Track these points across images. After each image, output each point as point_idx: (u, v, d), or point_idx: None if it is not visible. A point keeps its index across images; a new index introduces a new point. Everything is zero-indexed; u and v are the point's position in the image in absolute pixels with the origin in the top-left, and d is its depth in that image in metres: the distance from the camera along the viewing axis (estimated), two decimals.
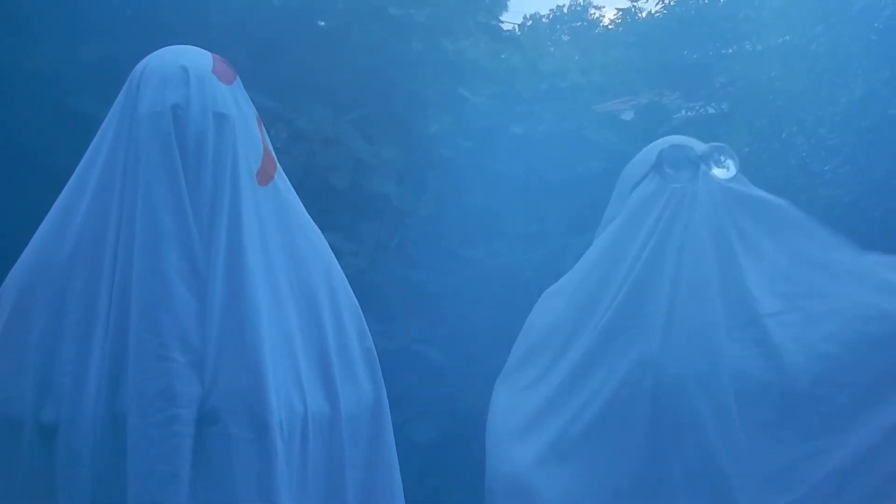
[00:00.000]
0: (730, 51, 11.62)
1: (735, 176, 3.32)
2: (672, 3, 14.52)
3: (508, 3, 7.79)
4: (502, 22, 7.43)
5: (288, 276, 2.78)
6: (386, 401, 2.99)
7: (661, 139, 3.50)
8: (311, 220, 2.94)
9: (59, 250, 2.64)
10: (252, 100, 2.88)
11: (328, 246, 2.96)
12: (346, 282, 2.97)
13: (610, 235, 3.45)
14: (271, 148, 2.88)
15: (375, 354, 2.99)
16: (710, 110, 10.08)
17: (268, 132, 2.93)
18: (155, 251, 2.57)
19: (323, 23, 5.93)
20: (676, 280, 3.18)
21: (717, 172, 3.29)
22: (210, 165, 2.67)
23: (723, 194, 3.27)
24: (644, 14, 15.01)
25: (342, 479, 2.81)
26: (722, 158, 3.31)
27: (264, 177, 2.79)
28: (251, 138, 2.79)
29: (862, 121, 7.08)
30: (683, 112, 10.68)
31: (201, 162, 2.66)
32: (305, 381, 2.74)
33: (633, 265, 3.26)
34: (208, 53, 2.82)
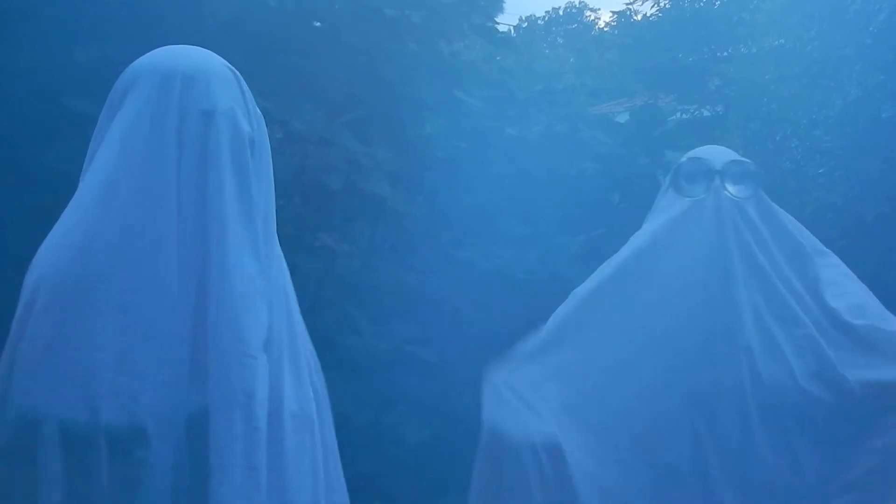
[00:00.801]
0: (724, 54, 11.63)
1: (752, 195, 3.30)
2: (667, 6, 14.53)
3: (504, 4, 7.80)
4: (498, 23, 7.42)
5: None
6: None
7: (703, 148, 3.49)
8: None
9: (102, 247, 2.56)
10: None
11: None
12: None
13: (631, 244, 3.47)
14: None
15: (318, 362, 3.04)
16: (705, 113, 10.12)
17: None
18: (236, 253, 2.59)
19: (318, 23, 5.93)
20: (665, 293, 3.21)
21: (732, 189, 3.28)
22: (261, 165, 2.73)
23: (734, 211, 3.26)
24: (639, 17, 15.02)
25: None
26: (740, 176, 3.29)
27: None
28: None
29: (856, 124, 7.10)
30: (678, 114, 10.71)
31: (261, 158, 2.73)
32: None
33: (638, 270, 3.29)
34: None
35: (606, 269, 3.44)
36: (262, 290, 2.63)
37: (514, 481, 3.15)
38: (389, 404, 5.09)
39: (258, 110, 2.80)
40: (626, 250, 3.43)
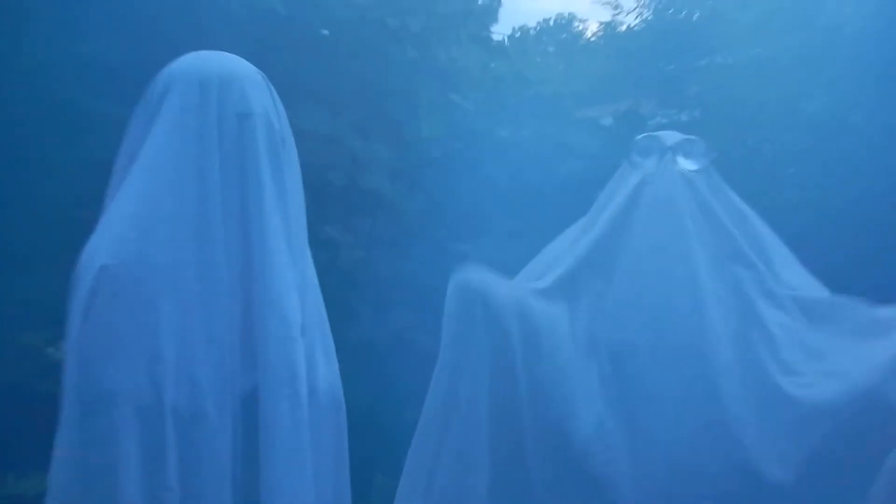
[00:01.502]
0: (702, 63, 11.58)
1: (702, 169, 3.31)
2: (650, 18, 14.51)
3: (498, 15, 7.81)
4: (492, 33, 7.45)
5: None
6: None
7: (664, 131, 3.50)
8: None
9: (157, 240, 2.57)
10: None
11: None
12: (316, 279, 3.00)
13: (589, 215, 3.48)
14: None
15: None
16: (684, 118, 10.08)
17: None
18: (269, 246, 2.61)
19: (325, 31, 5.94)
20: (628, 258, 3.21)
21: (683, 163, 3.29)
22: (291, 162, 2.74)
23: (684, 183, 3.27)
24: (624, 28, 15.01)
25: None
26: (691, 150, 3.31)
27: None
28: None
29: (825, 127, 7.11)
30: (658, 118, 10.68)
31: (291, 157, 2.75)
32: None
33: (593, 236, 3.30)
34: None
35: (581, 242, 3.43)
36: (294, 279, 2.64)
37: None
38: (388, 386, 5.09)
39: (284, 111, 2.81)
40: (589, 227, 3.43)
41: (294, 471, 2.56)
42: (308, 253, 2.79)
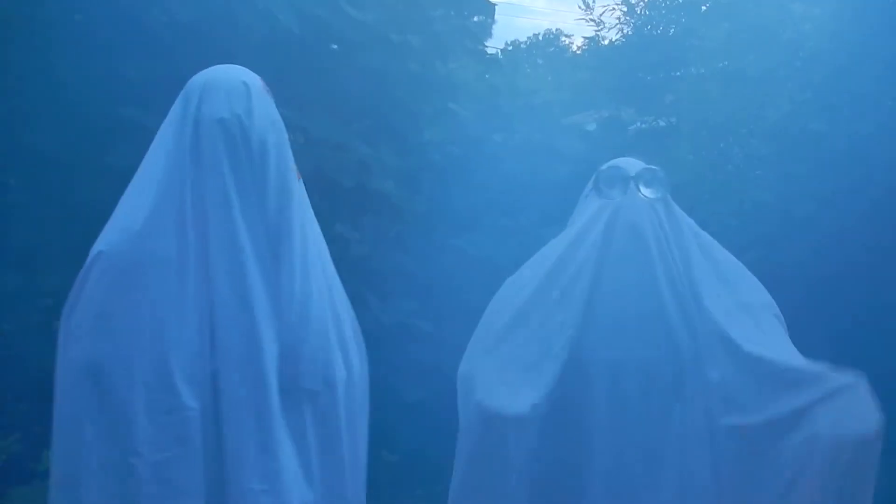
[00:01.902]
0: (677, 74, 11.57)
1: (661, 197, 3.29)
2: (630, 34, 14.50)
3: (492, 31, 7.80)
4: (487, 47, 7.42)
5: (321, 259, 2.83)
6: (367, 375, 3.00)
7: (621, 158, 3.48)
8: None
9: (148, 233, 2.64)
10: None
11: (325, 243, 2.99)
12: (337, 276, 2.98)
13: (562, 237, 3.45)
14: None
15: (363, 339, 3.00)
16: (661, 123, 10.08)
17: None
18: (231, 233, 2.60)
19: (335, 46, 5.93)
20: (598, 278, 3.19)
21: (645, 192, 3.28)
22: (274, 162, 2.73)
23: (647, 209, 3.25)
24: (606, 42, 15.01)
25: (352, 436, 2.85)
26: (651, 180, 3.28)
27: (298, 174, 2.84)
28: (287, 142, 2.84)
29: (787, 134, 7.10)
30: (638, 124, 10.68)
31: (265, 160, 2.71)
32: (340, 350, 2.78)
33: (572, 263, 3.28)
34: (252, 73, 2.86)
35: (544, 262, 3.41)
36: (263, 268, 2.61)
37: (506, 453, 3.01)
38: (393, 368, 5.10)
39: (276, 117, 2.79)
40: (558, 246, 3.42)
41: (260, 449, 2.52)
42: (306, 245, 2.76)
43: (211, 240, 2.60)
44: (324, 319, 2.72)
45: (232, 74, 2.81)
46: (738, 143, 7.81)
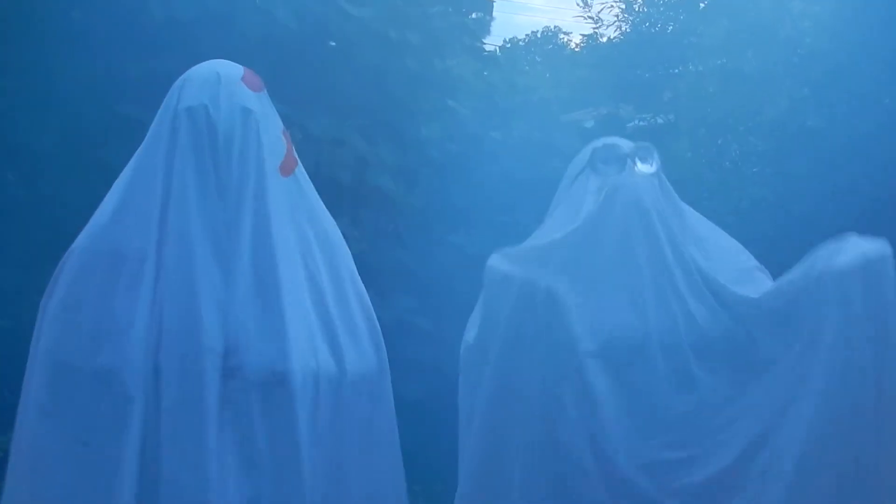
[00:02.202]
0: (676, 71, 11.57)
1: (657, 171, 3.31)
2: (628, 31, 14.52)
3: (490, 28, 7.80)
4: (485, 45, 7.43)
5: (301, 253, 2.77)
6: (387, 364, 2.95)
7: (594, 141, 3.48)
8: (326, 211, 2.93)
9: (115, 229, 2.65)
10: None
11: (339, 233, 2.94)
12: (352, 263, 2.94)
13: (555, 218, 3.46)
14: (295, 153, 2.88)
15: (378, 325, 2.96)
16: (659, 121, 10.08)
17: None
18: (183, 224, 2.58)
19: (333, 43, 5.93)
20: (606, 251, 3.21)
21: (641, 167, 3.29)
22: (237, 151, 2.69)
23: (645, 184, 3.27)
24: (605, 39, 15.01)
25: (350, 434, 2.77)
26: (646, 156, 3.30)
27: (286, 169, 2.80)
28: (275, 135, 2.80)
29: (785, 130, 7.11)
30: (636, 122, 10.68)
31: (230, 150, 2.68)
32: (318, 343, 2.72)
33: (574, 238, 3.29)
34: (240, 66, 2.84)
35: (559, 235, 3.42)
36: (217, 256, 2.61)
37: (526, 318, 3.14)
38: (391, 365, 5.09)
39: (250, 107, 2.75)
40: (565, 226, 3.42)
41: (189, 445, 2.50)
42: (266, 235, 2.70)
43: (168, 232, 2.59)
44: (279, 312, 2.66)
45: (207, 67, 2.80)
46: (737, 140, 7.82)
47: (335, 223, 2.95)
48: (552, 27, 39.22)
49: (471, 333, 3.39)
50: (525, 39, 37.21)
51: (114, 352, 2.55)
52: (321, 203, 2.93)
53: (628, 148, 3.33)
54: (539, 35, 38.69)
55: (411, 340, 5.49)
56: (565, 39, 36.45)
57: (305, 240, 2.80)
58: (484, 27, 7.48)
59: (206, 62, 2.84)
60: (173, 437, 2.50)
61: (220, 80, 2.73)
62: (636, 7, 14.55)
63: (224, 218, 2.64)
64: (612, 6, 13.82)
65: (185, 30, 4.93)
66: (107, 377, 2.54)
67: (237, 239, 2.64)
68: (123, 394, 2.52)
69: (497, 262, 3.32)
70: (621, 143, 3.39)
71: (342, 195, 5.54)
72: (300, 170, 2.88)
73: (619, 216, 3.22)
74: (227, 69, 2.80)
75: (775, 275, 3.35)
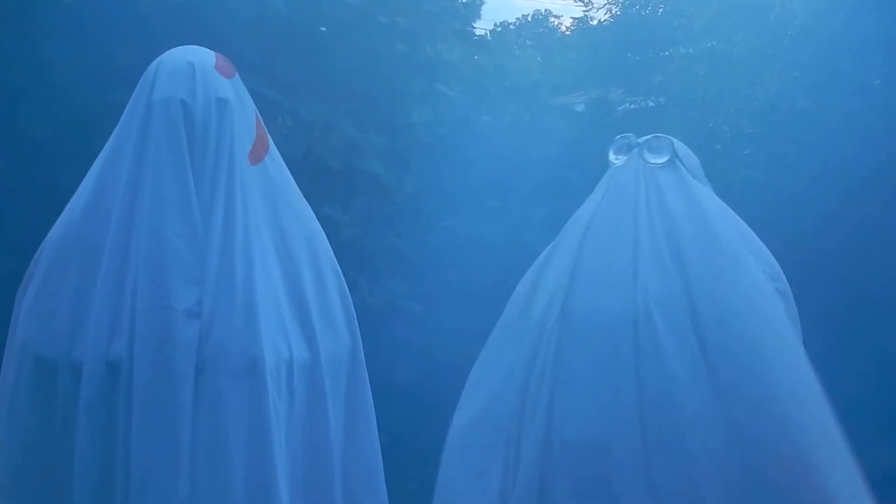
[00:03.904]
0: (666, 53, 11.61)
1: (668, 161, 3.31)
2: (618, 14, 14.54)
3: (481, 12, 7.82)
4: (475, 28, 7.44)
5: (273, 240, 2.76)
6: (361, 349, 2.94)
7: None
8: (301, 197, 2.90)
9: (88, 219, 2.64)
10: (262, 92, 2.88)
11: (315, 219, 2.92)
12: (330, 249, 2.92)
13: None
14: (268, 136, 2.87)
15: (353, 311, 2.96)
16: (649, 103, 10.11)
17: (275, 121, 2.92)
18: (157, 216, 2.56)
19: (323, 28, 5.92)
20: (588, 234, 3.23)
21: (649, 157, 3.31)
22: (213, 145, 2.67)
23: (642, 171, 3.29)
24: (595, 22, 15.04)
25: (325, 417, 2.74)
26: (658, 147, 3.32)
27: (255, 157, 2.78)
28: (246, 124, 2.79)
29: (775, 113, 7.13)
30: (626, 105, 10.69)
31: (206, 142, 2.66)
32: (290, 330, 2.72)
33: (574, 228, 3.32)
34: (212, 52, 2.82)
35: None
36: (192, 247, 2.60)
37: None
38: (383, 350, 5.11)
39: (226, 97, 2.75)
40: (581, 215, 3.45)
41: (158, 440, 2.48)
42: (235, 227, 2.67)
43: (140, 224, 2.59)
44: (252, 301, 2.66)
45: (178, 56, 2.78)
46: (727, 122, 7.84)
47: (310, 210, 2.95)
48: (542, 11, 39.31)
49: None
50: (515, 23, 37.19)
51: (84, 345, 2.55)
52: (295, 191, 2.92)
53: (643, 138, 3.36)
54: (530, 19, 38.67)
55: (403, 325, 5.51)
56: (556, 23, 36.46)
57: (278, 225, 2.80)
58: (474, 11, 7.51)
59: (177, 49, 2.82)
60: (144, 431, 2.49)
61: (194, 71, 2.72)
62: None
63: (200, 210, 2.63)
64: None
65: (175, 15, 4.92)
66: (79, 371, 2.54)
67: (210, 230, 2.63)
68: (89, 387, 2.53)
69: None
70: (640, 135, 3.42)
71: (333, 181, 5.55)
72: (272, 155, 2.86)
73: (606, 206, 3.26)
74: (201, 57, 2.78)
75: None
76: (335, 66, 5.78)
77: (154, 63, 2.78)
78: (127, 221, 2.59)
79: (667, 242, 3.16)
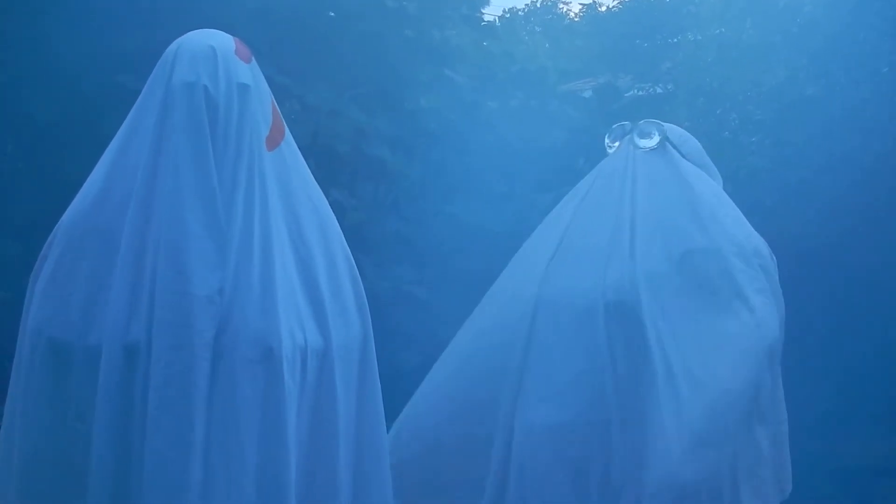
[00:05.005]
0: (674, 40, 11.59)
1: (658, 145, 3.34)
2: (627, 1, 14.53)
3: None
4: (483, 14, 7.43)
5: (287, 226, 2.76)
6: (372, 337, 2.94)
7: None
8: (315, 184, 2.89)
9: (104, 203, 2.61)
10: (271, 78, 2.85)
11: (328, 206, 2.91)
12: (342, 236, 2.91)
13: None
14: (283, 121, 2.87)
15: (365, 298, 2.95)
16: (657, 90, 10.10)
17: (283, 106, 2.90)
18: (179, 202, 2.55)
19: (332, 13, 5.93)
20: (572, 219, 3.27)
21: (640, 142, 3.34)
22: (234, 131, 2.65)
23: (638, 156, 3.31)
24: (603, 9, 15.02)
25: (334, 407, 2.73)
26: (646, 132, 3.34)
27: (271, 143, 2.77)
28: (263, 109, 2.78)
29: (783, 100, 7.12)
30: (634, 91, 10.69)
31: (227, 129, 2.64)
32: (304, 317, 2.72)
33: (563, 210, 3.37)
34: (230, 36, 2.81)
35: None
36: (212, 233, 2.60)
37: None
38: (388, 335, 5.11)
39: (246, 82, 2.74)
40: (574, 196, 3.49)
41: (173, 425, 2.46)
42: (255, 214, 2.65)
43: (155, 209, 2.58)
44: (272, 287, 2.65)
45: (199, 39, 2.75)
46: (735, 109, 7.83)
47: (323, 197, 2.94)
48: None
49: None
50: (524, 9, 37.08)
51: (101, 329, 2.55)
52: (309, 177, 2.91)
53: (636, 124, 3.39)
54: (538, 5, 38.56)
55: (408, 310, 5.52)
56: (564, 9, 36.37)
57: (292, 211, 2.80)
58: None
59: (196, 33, 2.79)
60: (160, 416, 2.49)
61: (216, 55, 2.70)
62: None
63: (221, 196, 2.62)
64: None
65: (182, 1, 4.92)
66: (95, 355, 2.52)
67: (230, 216, 2.62)
68: (107, 371, 2.52)
69: None
70: (634, 122, 3.45)
71: (340, 166, 5.55)
72: (287, 142, 2.85)
73: (595, 190, 3.30)
74: (221, 42, 2.76)
75: (771, 242, 3.37)
76: (343, 51, 5.78)
77: (173, 46, 2.74)
78: (145, 206, 2.56)
79: (647, 224, 3.20)
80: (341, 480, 2.76)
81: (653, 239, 3.17)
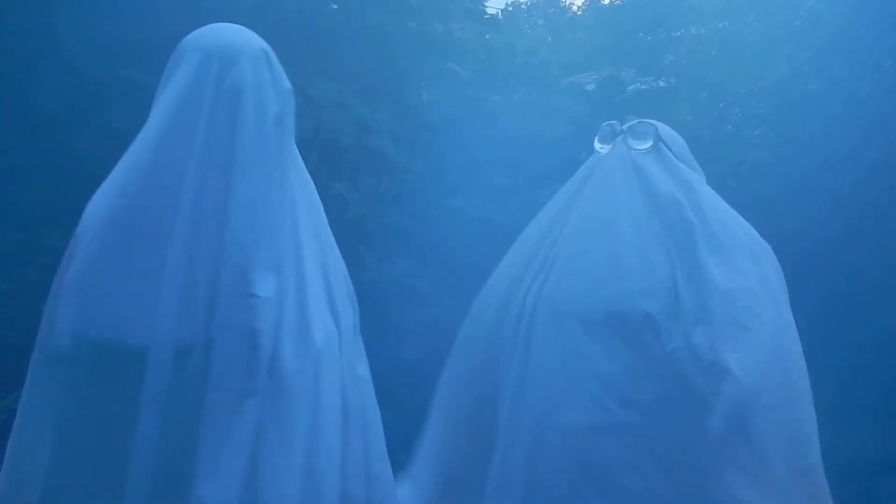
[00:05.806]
0: (677, 34, 11.58)
1: (652, 146, 3.30)
2: None
3: None
4: (486, 7, 7.42)
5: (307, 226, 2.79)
6: (359, 327, 2.98)
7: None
8: (307, 174, 2.92)
9: (137, 200, 2.58)
10: None
11: (321, 205, 2.95)
12: (332, 235, 2.95)
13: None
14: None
15: (354, 292, 2.98)
16: (661, 84, 10.08)
17: None
18: (246, 206, 2.54)
19: (335, 6, 5.93)
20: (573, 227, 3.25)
21: (633, 143, 3.30)
22: (287, 135, 2.70)
23: (630, 160, 3.28)
24: (606, 2, 15.00)
25: (339, 395, 2.78)
26: (642, 132, 3.31)
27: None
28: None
29: (786, 94, 7.12)
30: (637, 85, 10.67)
31: (282, 133, 2.68)
32: (327, 310, 2.75)
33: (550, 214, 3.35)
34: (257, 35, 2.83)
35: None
36: (270, 239, 2.59)
37: None
38: (391, 327, 5.12)
39: (288, 85, 2.75)
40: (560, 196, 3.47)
41: (227, 426, 2.46)
42: (298, 213, 2.73)
43: (205, 210, 2.56)
44: (304, 283, 2.68)
45: (249, 40, 2.74)
46: (738, 103, 7.84)
47: (316, 193, 2.95)
48: None
49: None
50: (527, 2, 37.06)
51: (146, 329, 2.53)
52: (302, 163, 2.92)
53: (627, 124, 3.36)
54: None
55: (410, 303, 5.52)
56: (567, 2, 36.34)
57: (306, 206, 2.82)
58: None
59: (227, 29, 2.77)
60: (215, 416, 2.48)
61: (269, 59, 2.72)
62: None
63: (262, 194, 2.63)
64: None
65: None
66: (139, 355, 2.50)
67: (280, 216, 2.64)
68: (155, 371, 2.50)
69: None
70: (625, 123, 3.42)
71: (342, 159, 5.55)
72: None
73: (590, 191, 3.28)
74: (263, 44, 2.78)
75: (774, 237, 3.36)
76: (345, 44, 5.78)
77: (208, 43, 2.72)
78: (198, 208, 2.55)
79: (654, 231, 3.17)
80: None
81: (660, 243, 3.15)
